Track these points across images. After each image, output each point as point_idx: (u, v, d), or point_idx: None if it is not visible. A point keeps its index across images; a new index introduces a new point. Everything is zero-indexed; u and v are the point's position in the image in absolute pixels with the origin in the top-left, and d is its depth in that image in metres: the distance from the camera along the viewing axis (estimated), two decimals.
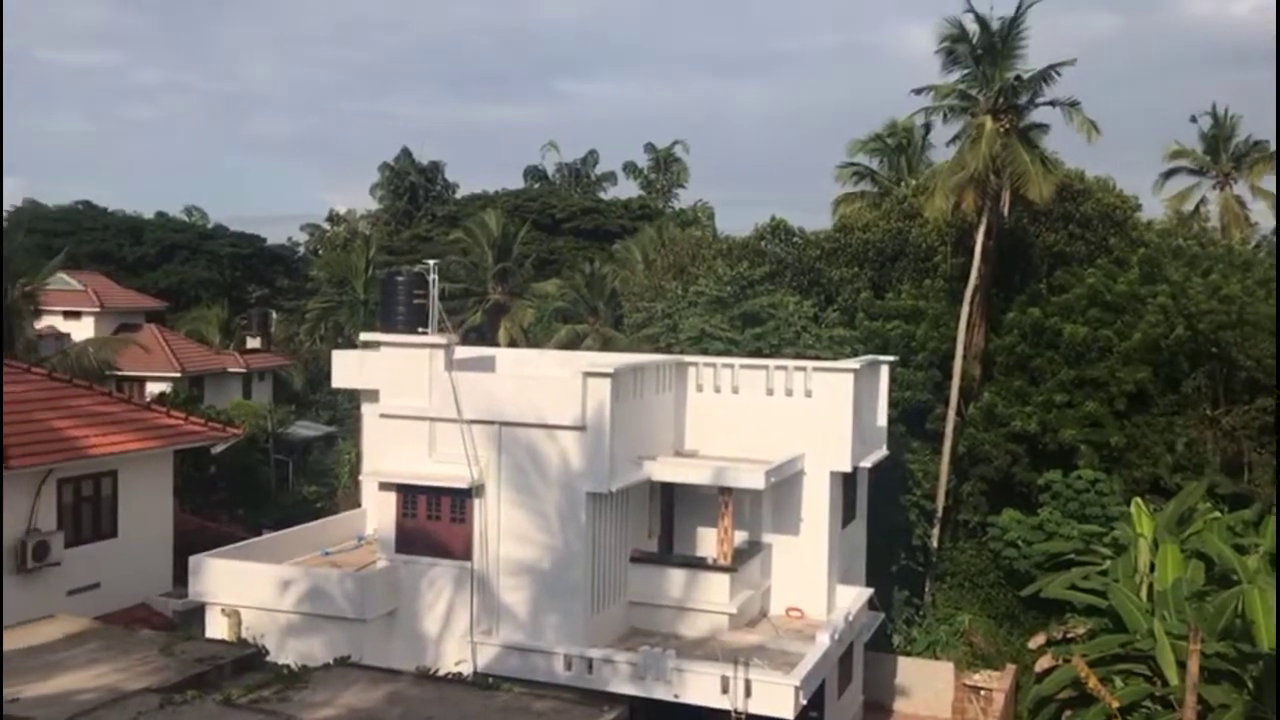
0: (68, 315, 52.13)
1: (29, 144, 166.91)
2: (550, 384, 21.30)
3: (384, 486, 21.83)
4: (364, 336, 24.39)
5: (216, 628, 20.97)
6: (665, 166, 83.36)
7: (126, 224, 74.09)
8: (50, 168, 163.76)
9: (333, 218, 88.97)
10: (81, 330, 50.60)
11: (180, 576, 23.20)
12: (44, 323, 45.22)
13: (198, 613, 22.08)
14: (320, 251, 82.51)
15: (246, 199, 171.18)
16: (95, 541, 23.15)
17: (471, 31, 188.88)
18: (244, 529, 30.87)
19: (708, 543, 23.38)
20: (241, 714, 12.35)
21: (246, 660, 14.40)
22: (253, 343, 56.84)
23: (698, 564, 22.72)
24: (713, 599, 21.95)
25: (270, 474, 44.19)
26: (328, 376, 29.94)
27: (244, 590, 21.29)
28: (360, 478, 25.61)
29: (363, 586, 20.92)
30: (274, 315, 64.02)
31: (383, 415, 22.12)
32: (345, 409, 46.08)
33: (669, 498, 23.93)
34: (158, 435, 24.69)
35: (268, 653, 14.77)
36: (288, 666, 14.05)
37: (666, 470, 22.43)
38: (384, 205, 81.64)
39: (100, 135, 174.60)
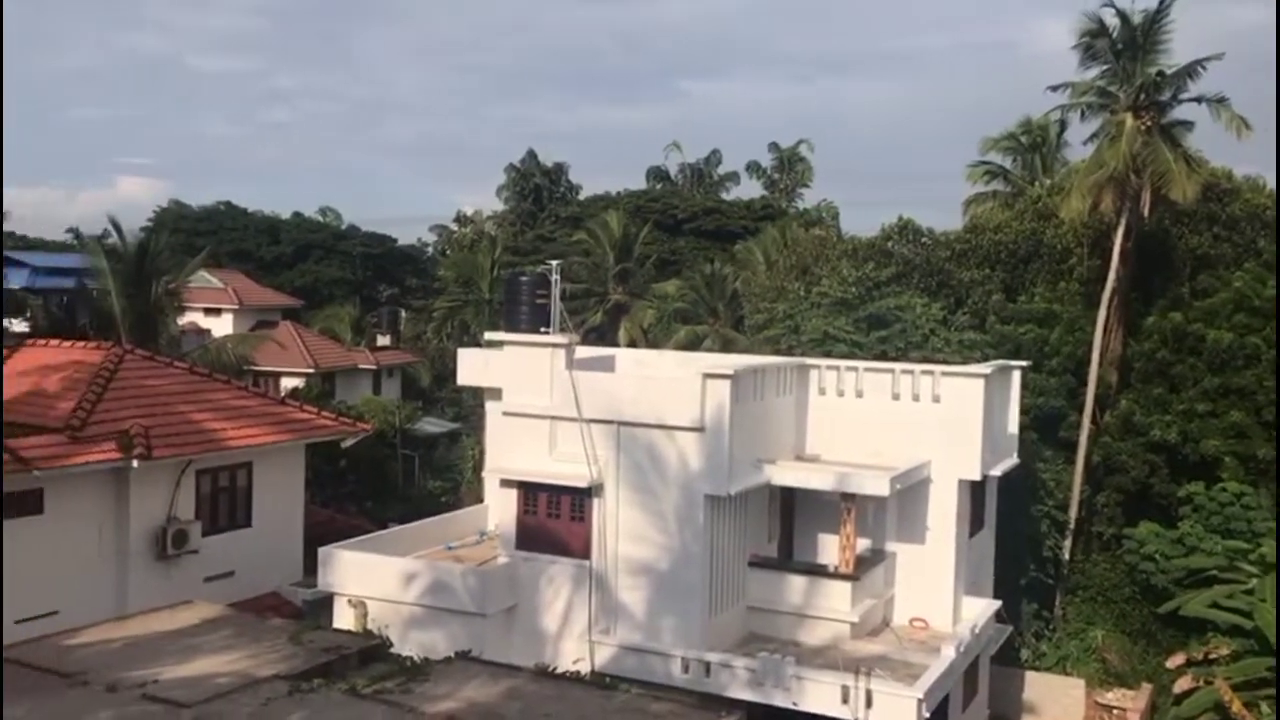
0: (208, 312, 54.35)
1: (176, 147, 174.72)
2: (669, 385, 21.23)
3: (505, 483, 22.07)
4: (488, 335, 24.74)
5: (343, 618, 21.50)
6: (789, 166, 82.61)
7: (265, 224, 76.85)
8: (195, 170, 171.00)
9: (460, 219, 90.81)
10: (221, 326, 52.67)
11: (310, 567, 23.87)
12: (186, 319, 47.18)
13: (326, 603, 22.67)
14: (448, 252, 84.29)
15: (379, 201, 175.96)
16: (231, 531, 24.01)
17: (597, 34, 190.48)
18: (371, 522, 31.62)
19: (829, 549, 23.00)
20: (366, 704, 12.56)
21: (371, 651, 14.68)
22: (382, 340, 58.38)
23: (819, 571, 22.36)
24: (834, 607, 21.58)
25: (397, 468, 45.22)
26: (453, 374, 30.48)
27: (370, 582, 21.77)
28: (483, 474, 25.97)
29: (484, 582, 21.19)
30: (403, 314, 65.64)
31: (505, 413, 22.37)
32: (469, 406, 46.87)
33: (789, 502, 23.62)
34: (291, 429, 25.47)
35: (392, 644, 15.03)
36: (411, 658, 14.27)
37: (787, 474, 22.14)
38: (509, 207, 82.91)
39: (241, 139, 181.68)
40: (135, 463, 21.45)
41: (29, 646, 15.42)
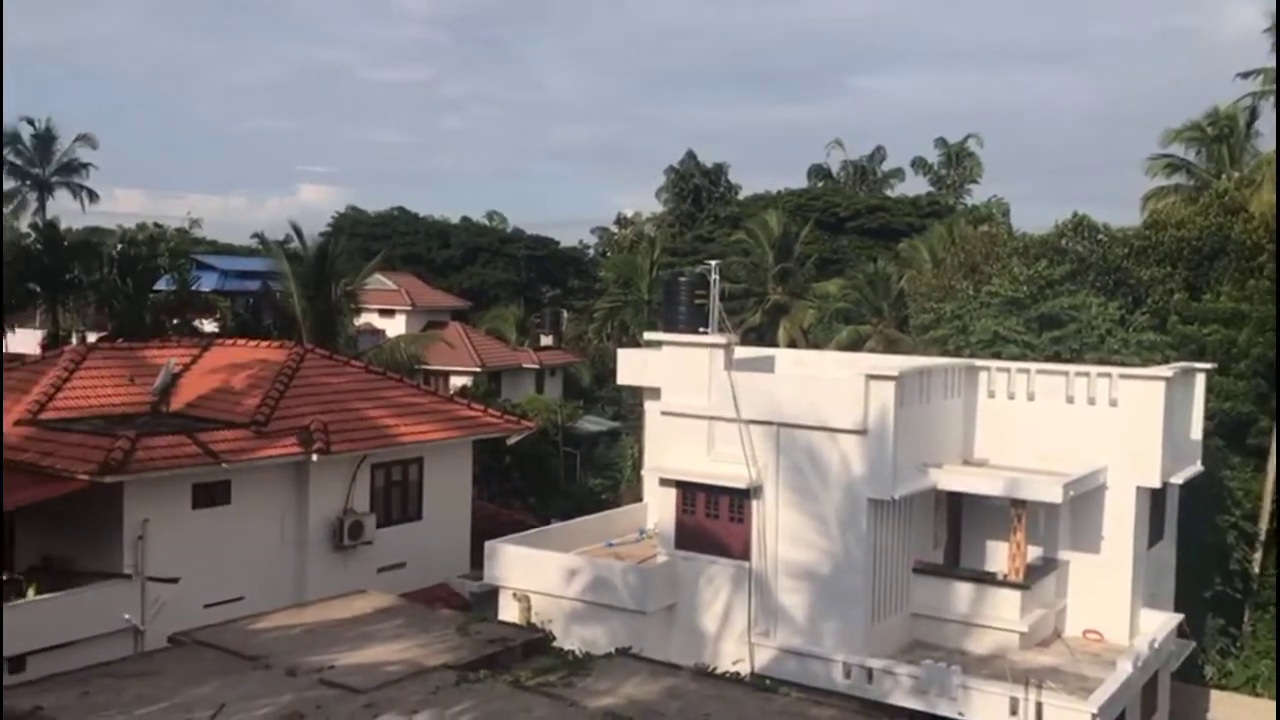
0: (383, 313, 56.49)
1: (352, 155, 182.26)
2: (831, 386, 20.94)
3: (664, 482, 22.19)
4: (647, 335, 24.92)
5: (508, 611, 22.00)
6: (957, 161, 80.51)
7: (435, 228, 79.42)
8: (370, 177, 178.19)
9: (621, 221, 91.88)
10: (394, 327, 54.68)
11: (476, 560, 24.54)
12: (362, 320, 49.16)
13: (491, 595, 23.25)
14: (608, 253, 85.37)
15: (543, 204, 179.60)
16: (403, 523, 24.91)
17: (760, 31, 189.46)
18: (535, 517, 32.29)
19: (998, 557, 22.28)
20: (529, 696, 12.80)
21: (535, 644, 14.94)
22: (545, 340, 59.58)
23: (987, 579, 21.69)
24: (1003, 616, 20.88)
25: (559, 466, 46.02)
26: (613, 373, 30.88)
27: (534, 576, 22.21)
28: (642, 473, 26.18)
29: (644, 580, 21.35)
30: (565, 314, 66.84)
31: (663, 413, 22.48)
32: (629, 405, 47.33)
33: (956, 508, 22.98)
34: (460, 426, 26.25)
35: (554, 638, 15.27)
36: (573, 653, 14.46)
37: (954, 479, 21.55)
38: (669, 208, 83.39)
39: (414, 146, 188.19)
40: (315, 457, 22.49)
41: (216, 629, 16.32)
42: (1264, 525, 29.86)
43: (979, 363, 24.13)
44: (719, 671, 14.48)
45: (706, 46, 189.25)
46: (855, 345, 39.38)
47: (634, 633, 20.07)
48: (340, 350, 32.48)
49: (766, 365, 25.62)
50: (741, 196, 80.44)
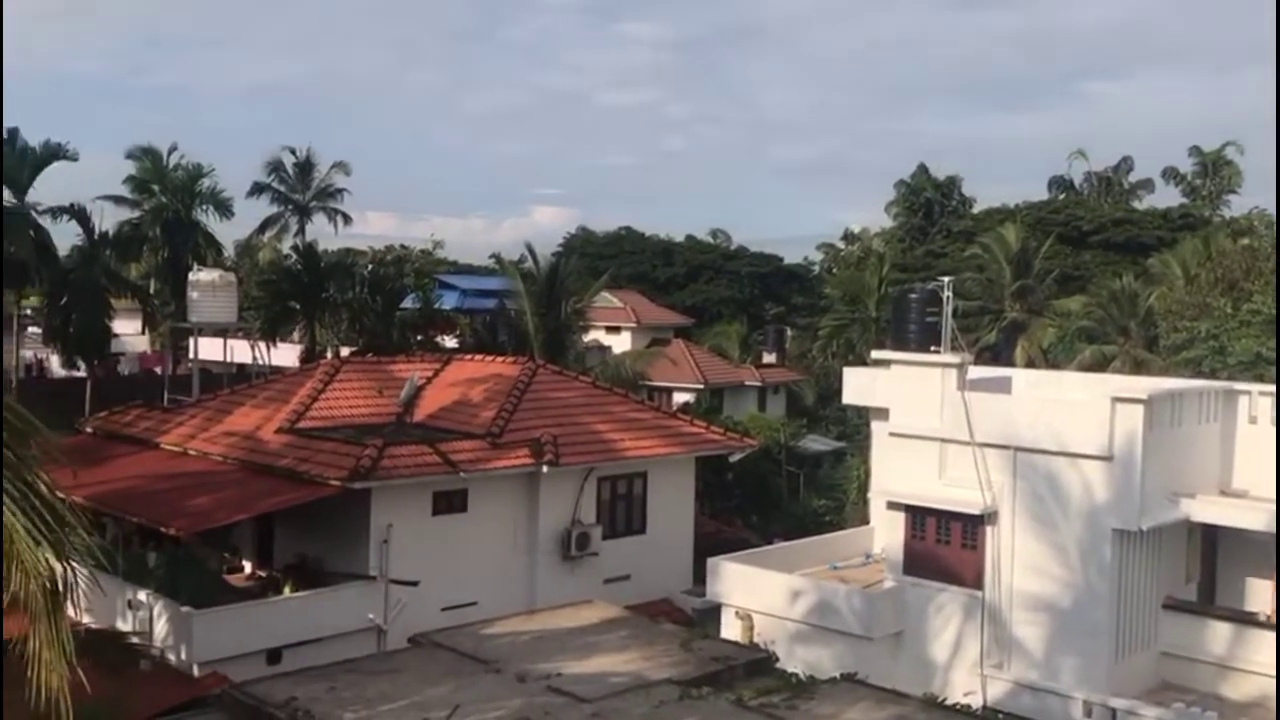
0: (609, 330, 57.71)
1: (583, 178, 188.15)
2: (1073, 408, 19.89)
3: (892, 505, 21.62)
4: (875, 354, 24.36)
5: (730, 629, 21.94)
6: (1214, 171, 75.13)
7: (660, 247, 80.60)
8: (599, 198, 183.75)
9: (847, 236, 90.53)
10: (620, 343, 55.76)
11: (699, 576, 24.62)
12: (590, 336, 50.43)
13: (713, 612, 23.25)
14: (834, 270, 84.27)
15: (767, 221, 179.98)
16: (627, 536, 25.30)
17: (990, 42, 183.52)
18: (757, 536, 32.11)
19: (1259, 595, 20.51)
20: (751, 716, 12.71)
21: (757, 664, 14.86)
22: (768, 358, 59.31)
23: (1247, 619, 19.99)
24: (1264, 660, 19.20)
25: (781, 485, 45.65)
26: (838, 392, 30.36)
27: (756, 595, 22.07)
28: (869, 495, 25.61)
29: (870, 605, 20.85)
30: (789, 332, 66.34)
31: (892, 434, 21.92)
32: (854, 425, 46.45)
33: (1211, 541, 21.31)
34: (683, 442, 26.47)
35: (778, 659, 15.14)
36: (796, 675, 14.29)
37: (1210, 510, 20.01)
38: (898, 222, 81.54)
39: (640, 167, 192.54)
40: (545, 468, 23.17)
41: (452, 632, 17.03)
42: None
43: (1239, 386, 22.34)
44: (949, 703, 13.97)
45: (931, 58, 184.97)
46: (1099, 366, 37.25)
47: (859, 658, 19.60)
48: (569, 365, 33.37)
49: (1002, 386, 24.57)
50: (976, 210, 77.73)
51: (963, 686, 19.77)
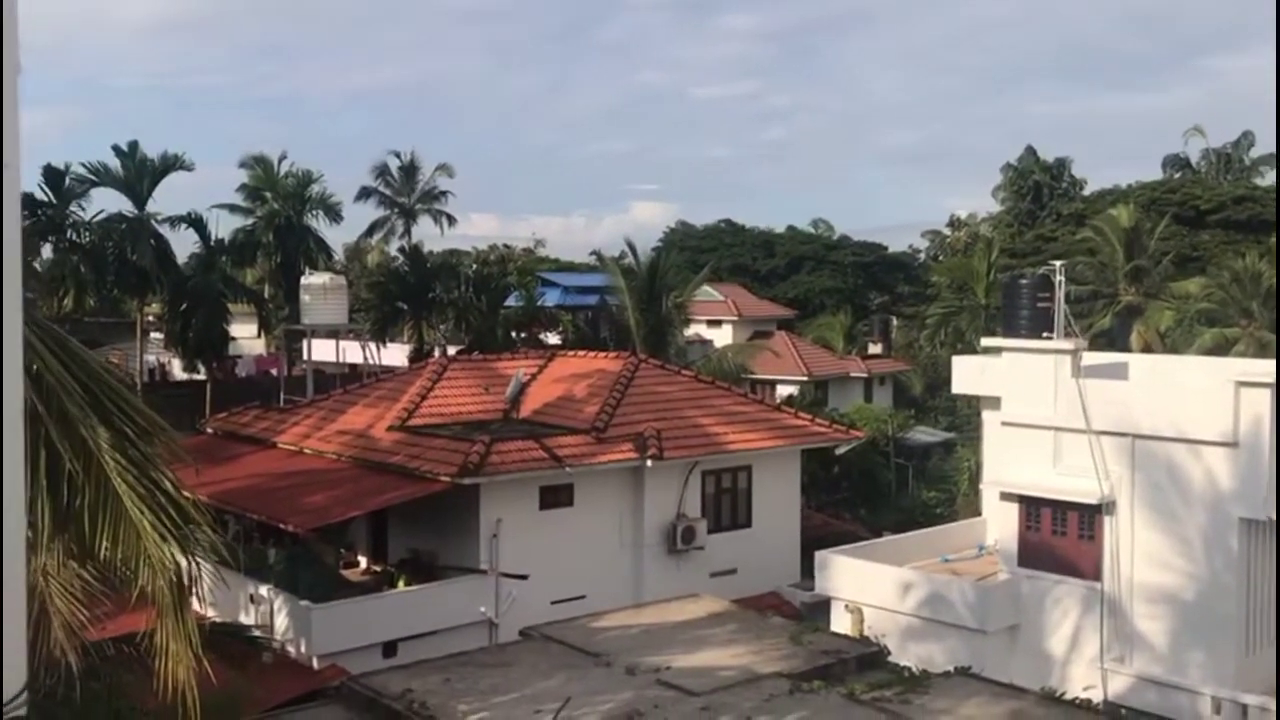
0: (710, 324, 57.58)
1: (681, 172, 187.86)
2: (1194, 394, 19.18)
3: (1005, 496, 21.15)
4: (985, 341, 23.87)
5: (840, 622, 21.71)
6: None
7: (760, 239, 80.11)
8: (698, 192, 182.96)
9: (953, 223, 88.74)
10: (721, 337, 55.59)
11: (807, 569, 24.41)
12: (690, 331, 50.39)
13: (822, 606, 23.05)
14: (940, 257, 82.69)
15: (870, 209, 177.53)
16: (733, 530, 25.21)
17: (1099, 18, 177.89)
18: (865, 529, 31.72)
19: None
20: (864, 710, 12.54)
21: (869, 658, 14.65)
22: (874, 348, 58.50)
23: None
24: None
25: (890, 477, 45.01)
26: (947, 382, 29.80)
27: (866, 588, 21.80)
28: (980, 486, 25.08)
29: (984, 597, 20.43)
30: (894, 321, 65.35)
31: (1004, 423, 21.45)
32: (964, 415, 45.53)
33: None
34: (787, 434, 26.26)
35: (889, 653, 14.91)
36: (909, 669, 14.06)
37: None
38: (1006, 207, 79.62)
39: (740, 159, 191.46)
40: (649, 462, 23.22)
41: (562, 625, 17.17)
42: None
43: None
44: (1068, 697, 13.59)
45: (1036, 38, 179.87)
46: (1221, 350, 35.86)
47: (973, 652, 19.22)
48: (671, 360, 33.40)
49: (1118, 372, 23.82)
50: (1087, 192, 75.48)
51: (1082, 681, 19.24)
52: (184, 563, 5.69)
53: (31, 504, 4.66)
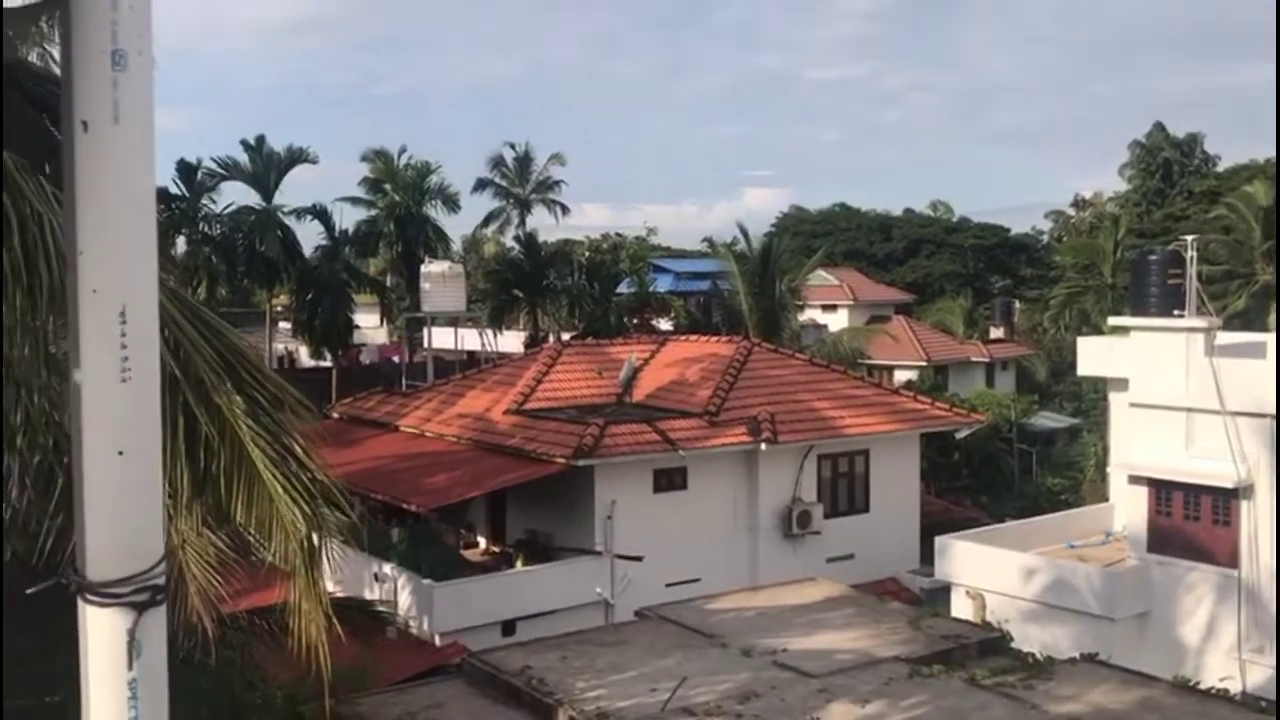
0: (825, 308, 56.96)
1: (794, 157, 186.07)
2: None
3: (1134, 480, 20.47)
4: (1112, 321, 23.14)
5: (960, 608, 21.31)
6: None
7: (876, 222, 78.89)
8: (811, 176, 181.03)
9: (1078, 203, 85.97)
10: (837, 321, 54.94)
11: (926, 555, 24.00)
12: (805, 315, 49.94)
13: (942, 592, 22.65)
14: (1064, 238, 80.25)
15: (990, 191, 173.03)
16: (849, 515, 24.94)
17: None
18: (987, 516, 31.04)
19: None
20: (986, 695, 12.28)
21: (991, 644, 14.34)
22: (995, 332, 57.11)
23: None
24: None
25: (1012, 464, 43.97)
26: (1071, 366, 28.93)
27: (988, 574, 21.36)
28: (1108, 470, 24.32)
29: (1113, 584, 19.83)
30: (1017, 305, 63.70)
31: (1132, 404, 20.74)
32: (1090, 400, 44.18)
33: None
34: (905, 418, 25.84)
35: (1012, 639, 14.58)
36: (1033, 655, 13.72)
37: None
38: (1133, 185, 76.84)
39: (853, 143, 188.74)
40: (763, 446, 23.11)
41: (677, 606, 17.22)
42: None
43: None
44: (1203, 687, 13.08)
45: (1161, 9, 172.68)
46: None
47: (1099, 639, 18.61)
48: (784, 344, 33.15)
49: (1256, 351, 22.79)
50: (1220, 168, 72.35)
51: (1218, 671, 18.49)
52: (313, 526, 5.89)
53: (170, 467, 4.88)
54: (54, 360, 5.56)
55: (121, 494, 2.45)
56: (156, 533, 2.48)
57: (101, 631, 2.46)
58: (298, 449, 5.78)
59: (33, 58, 9.07)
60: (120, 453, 2.43)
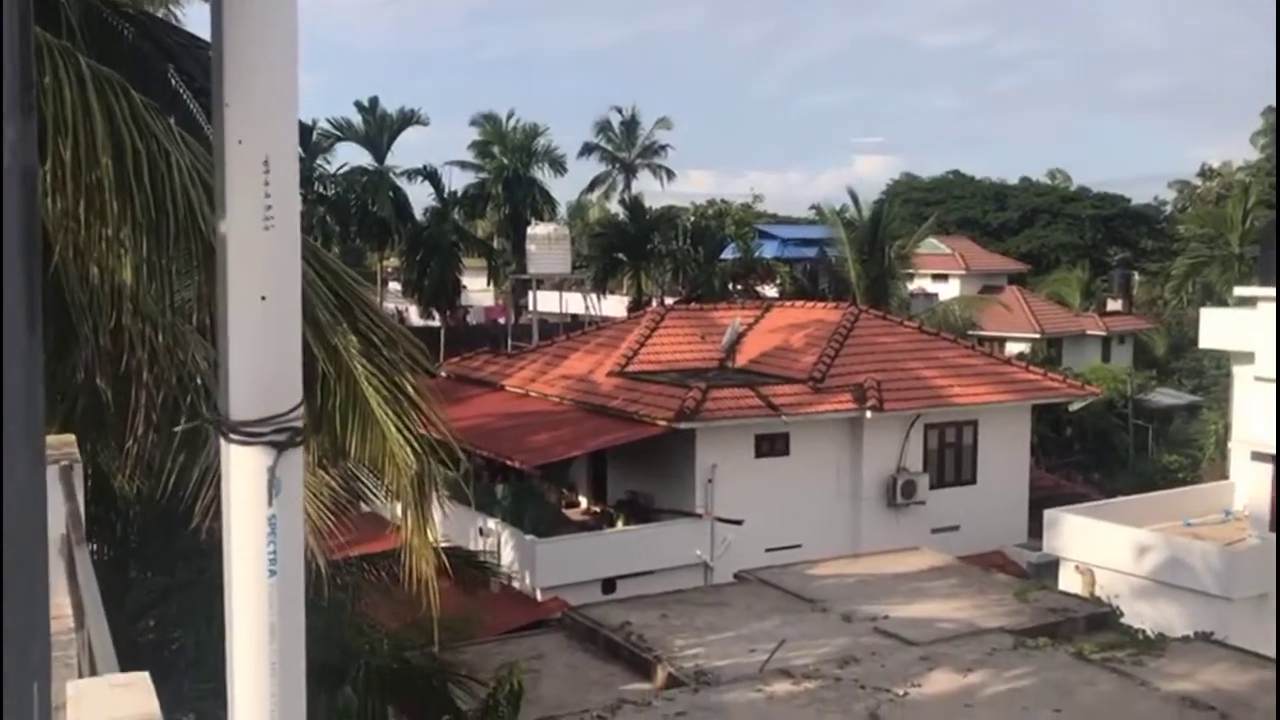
0: (936, 277, 55.85)
1: (906, 123, 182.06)
2: None
3: (1257, 457, 19.71)
4: (1238, 291, 22.20)
5: (1069, 582, 20.82)
6: None
7: (991, 190, 76.90)
8: (923, 143, 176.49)
9: (1205, 173, 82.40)
10: (948, 291, 53.82)
11: (1034, 530, 23.50)
12: (915, 284, 49.03)
13: (1050, 566, 22.15)
14: (1188, 209, 77.20)
15: (1110, 160, 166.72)
16: (956, 486, 24.52)
17: None
18: (1098, 492, 30.22)
19: None
20: (1093, 669, 12.03)
21: (1100, 619, 14.07)
22: (1113, 305, 55.34)
23: None
24: None
25: (1127, 440, 42.68)
26: (1193, 341, 27.89)
27: (1098, 549, 20.82)
28: (1229, 446, 23.43)
29: (1231, 563, 19.16)
30: (1136, 277, 61.60)
31: (1258, 378, 19.93)
32: (1211, 377, 42.57)
33: None
34: (1016, 389, 25.25)
35: (1122, 614, 14.25)
36: (1143, 632, 13.40)
37: None
38: (1266, 155, 73.37)
39: (968, 109, 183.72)
40: (868, 414, 22.83)
41: (777, 570, 17.22)
42: None
43: None
44: None
45: None
46: None
47: (1215, 619, 18.02)
48: (893, 312, 32.62)
49: None
50: None
51: None
52: (423, 463, 6.01)
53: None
54: (177, 302, 5.75)
55: (263, 338, 2.58)
56: (295, 377, 2.60)
57: (244, 469, 2.59)
58: (409, 389, 5.89)
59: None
60: (263, 298, 2.55)
